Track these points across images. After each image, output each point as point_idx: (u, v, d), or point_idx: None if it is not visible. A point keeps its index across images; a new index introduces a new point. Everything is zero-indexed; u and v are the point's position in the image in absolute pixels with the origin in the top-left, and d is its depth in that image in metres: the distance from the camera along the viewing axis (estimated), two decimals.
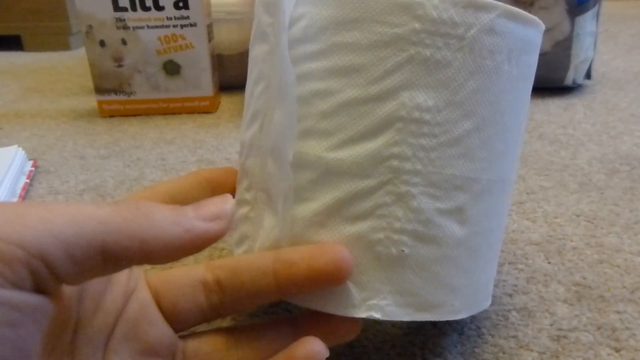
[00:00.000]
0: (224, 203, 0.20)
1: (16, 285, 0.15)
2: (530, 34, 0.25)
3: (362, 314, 0.23)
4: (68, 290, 0.19)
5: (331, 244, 0.22)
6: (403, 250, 0.23)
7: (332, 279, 0.21)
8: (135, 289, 0.22)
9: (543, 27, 0.26)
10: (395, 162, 0.22)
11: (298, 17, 0.23)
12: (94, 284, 0.20)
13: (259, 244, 0.24)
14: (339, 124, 0.23)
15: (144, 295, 0.22)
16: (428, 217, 0.23)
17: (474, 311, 0.26)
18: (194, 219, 0.19)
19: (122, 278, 0.21)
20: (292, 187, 0.23)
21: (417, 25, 0.22)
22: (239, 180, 0.27)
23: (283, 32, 0.23)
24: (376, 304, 0.23)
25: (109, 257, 0.17)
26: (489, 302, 0.28)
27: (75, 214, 0.16)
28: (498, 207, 0.26)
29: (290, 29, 0.23)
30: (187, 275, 0.23)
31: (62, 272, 0.16)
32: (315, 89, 0.23)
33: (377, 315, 0.23)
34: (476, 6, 0.22)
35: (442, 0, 0.22)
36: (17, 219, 0.16)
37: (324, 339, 0.21)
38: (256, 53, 0.26)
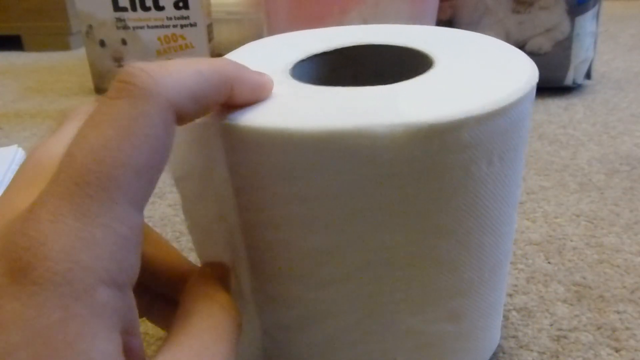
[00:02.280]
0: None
1: None
2: (514, 116, 0.20)
3: None
4: None
5: None
6: (396, 359, 0.23)
7: None
8: None
9: (535, 77, 0.22)
10: (375, 297, 0.21)
11: (245, 172, 0.20)
12: None
13: None
14: (307, 269, 0.21)
15: None
16: (419, 330, 0.22)
17: None
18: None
19: None
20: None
21: (368, 171, 0.18)
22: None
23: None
24: None
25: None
26: None
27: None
28: (496, 289, 0.24)
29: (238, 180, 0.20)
30: None
31: None
32: (275, 236, 0.21)
33: None
34: (441, 131, 0.18)
35: (395, 138, 0.18)
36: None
37: None
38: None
